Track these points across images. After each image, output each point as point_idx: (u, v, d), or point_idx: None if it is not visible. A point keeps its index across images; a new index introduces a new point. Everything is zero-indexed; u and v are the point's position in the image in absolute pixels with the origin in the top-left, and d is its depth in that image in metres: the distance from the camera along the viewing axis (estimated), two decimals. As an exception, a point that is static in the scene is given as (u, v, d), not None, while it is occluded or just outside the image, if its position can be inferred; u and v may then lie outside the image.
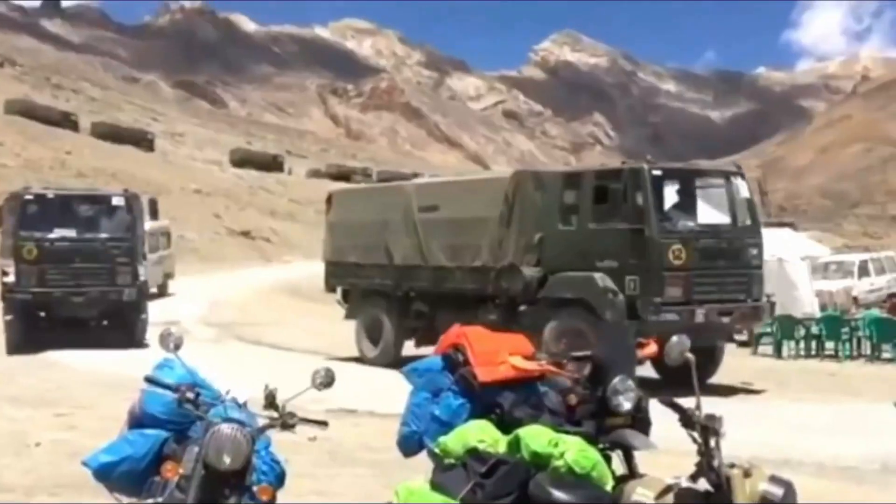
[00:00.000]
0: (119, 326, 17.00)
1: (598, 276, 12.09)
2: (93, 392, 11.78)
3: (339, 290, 17.02)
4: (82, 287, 16.20)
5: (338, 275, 16.68)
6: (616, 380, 4.65)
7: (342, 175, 78.68)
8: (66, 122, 72.70)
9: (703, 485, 3.59)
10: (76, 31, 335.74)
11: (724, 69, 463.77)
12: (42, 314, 16.60)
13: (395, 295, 15.26)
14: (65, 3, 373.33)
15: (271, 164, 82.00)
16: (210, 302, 26.13)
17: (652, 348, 5.14)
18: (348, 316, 16.47)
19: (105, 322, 17.20)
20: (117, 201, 17.04)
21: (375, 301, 15.68)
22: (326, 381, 4.12)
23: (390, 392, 6.66)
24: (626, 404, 4.64)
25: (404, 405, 5.04)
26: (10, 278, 15.71)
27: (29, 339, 15.94)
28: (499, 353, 4.95)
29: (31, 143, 55.76)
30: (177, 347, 4.22)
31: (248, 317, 23.72)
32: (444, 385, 4.95)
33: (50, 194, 17.53)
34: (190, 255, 40.14)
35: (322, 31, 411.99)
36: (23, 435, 9.01)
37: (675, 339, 3.95)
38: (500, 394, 4.79)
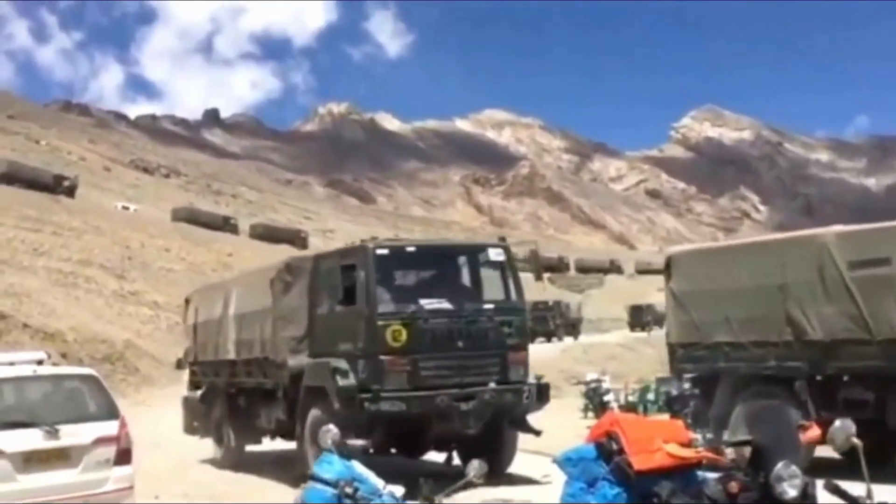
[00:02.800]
0: (483, 446, 10.74)
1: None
2: (259, 490, 12.10)
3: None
4: (468, 387, 11.12)
5: (696, 357, 12.63)
6: (779, 465, 4.46)
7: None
8: (227, 225, 76.96)
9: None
10: (234, 139, 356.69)
11: (878, 134, 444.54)
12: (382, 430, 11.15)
13: (813, 378, 11.15)
14: (224, 115, 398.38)
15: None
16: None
17: (815, 431, 4.91)
18: (715, 412, 11.80)
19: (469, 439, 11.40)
20: (496, 255, 12.11)
21: (769, 389, 11.42)
22: (481, 472, 4.16)
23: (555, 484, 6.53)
24: (792, 491, 4.44)
25: (559, 495, 4.99)
26: (347, 380, 11.04)
27: None
28: (654, 441, 4.84)
29: (195, 247, 59.15)
30: (334, 444, 4.36)
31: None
32: (599, 474, 4.87)
33: (409, 247, 12.61)
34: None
35: (463, 124, 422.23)
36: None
37: (838, 423, 3.78)
38: (658, 482, 4.67)
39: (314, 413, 11.40)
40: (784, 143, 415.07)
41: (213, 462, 14.68)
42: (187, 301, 17.05)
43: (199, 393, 15.82)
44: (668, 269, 13.45)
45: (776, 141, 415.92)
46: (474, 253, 12.51)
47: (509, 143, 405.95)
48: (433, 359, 11.06)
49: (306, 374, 11.84)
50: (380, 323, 10.92)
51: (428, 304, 11.21)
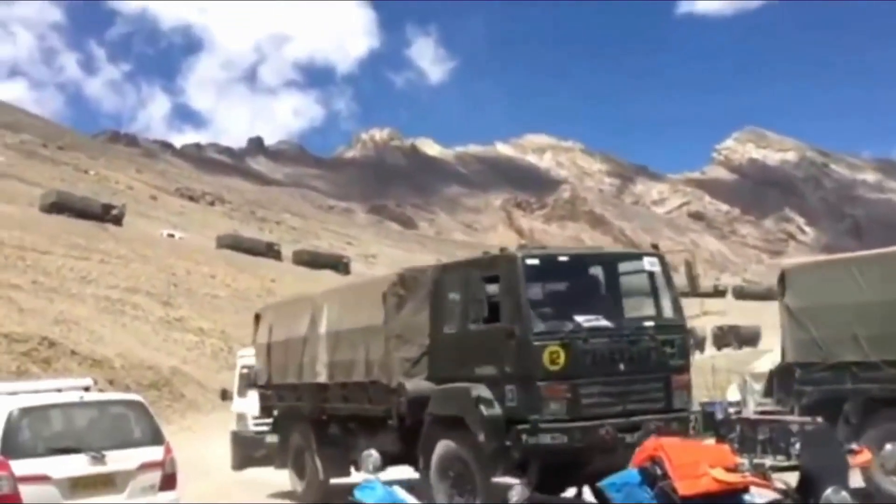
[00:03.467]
0: None
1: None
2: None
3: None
4: (632, 415, 9.74)
5: (817, 379, 11.58)
6: (829, 491, 4.38)
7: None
8: (270, 252, 77.69)
9: None
10: (278, 166, 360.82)
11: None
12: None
13: None
14: (268, 142, 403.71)
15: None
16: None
17: (865, 456, 4.82)
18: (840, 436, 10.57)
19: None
20: (650, 265, 10.72)
21: None
22: (523, 498, 4.13)
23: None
24: (842, 518, 4.35)
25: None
26: (492, 409, 9.70)
27: None
28: (699, 465, 4.78)
29: (240, 273, 59.72)
30: (376, 469, 4.36)
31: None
32: (644, 500, 4.81)
33: (562, 256, 11.14)
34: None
35: (504, 148, 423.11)
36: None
37: (889, 447, 3.70)
38: (704, 508, 4.61)
39: (445, 445, 10.15)
40: (829, 164, 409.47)
41: (292, 496, 13.68)
42: (258, 317, 15.39)
43: (264, 419, 14.82)
44: (782, 283, 12.54)
45: (821, 162, 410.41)
46: (627, 262, 11.06)
47: (550, 166, 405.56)
48: (594, 384, 9.67)
49: (434, 402, 10.36)
50: (536, 343, 9.49)
51: (586, 321, 9.86)
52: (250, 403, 16.55)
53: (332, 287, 18.73)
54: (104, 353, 28.33)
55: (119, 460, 8.11)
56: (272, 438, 14.85)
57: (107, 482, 8.03)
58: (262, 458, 15.23)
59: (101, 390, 10.87)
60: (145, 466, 8.25)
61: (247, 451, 15.89)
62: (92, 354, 27.63)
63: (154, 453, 8.40)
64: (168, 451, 8.55)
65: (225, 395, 17.87)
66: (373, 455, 4.38)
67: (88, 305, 37.03)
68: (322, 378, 12.40)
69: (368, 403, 11.38)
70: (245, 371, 17.33)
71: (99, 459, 7.98)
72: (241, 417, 16.82)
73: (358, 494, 4.40)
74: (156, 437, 8.58)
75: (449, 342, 10.48)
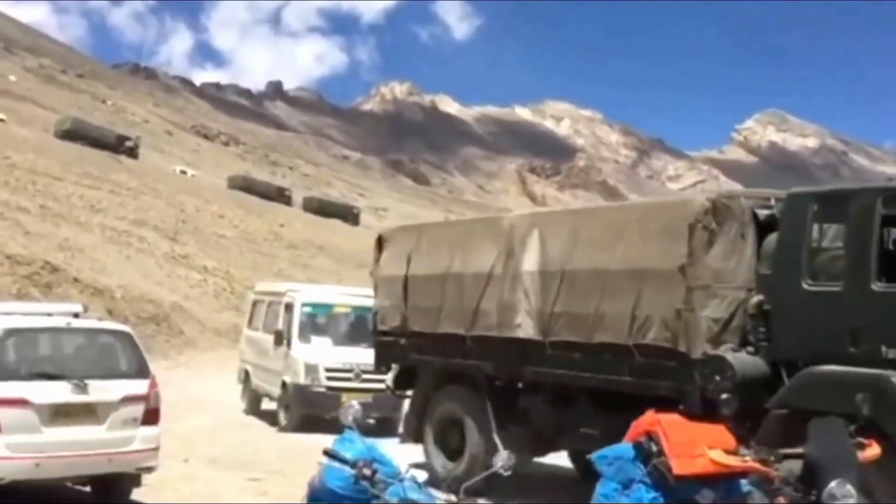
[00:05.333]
0: None
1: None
2: (286, 458, 12.02)
3: None
4: None
5: None
6: (833, 483, 4.14)
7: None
8: (281, 196, 77.53)
9: None
10: (295, 113, 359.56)
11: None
12: None
13: None
14: (287, 87, 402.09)
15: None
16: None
17: (875, 450, 4.57)
18: None
19: None
20: None
21: None
22: (509, 464, 3.93)
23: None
24: (844, 512, 4.10)
25: (593, 495, 4.72)
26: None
27: None
28: (697, 445, 4.55)
29: (248, 215, 59.63)
30: (356, 421, 4.14)
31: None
32: (636, 476, 4.59)
33: None
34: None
35: (522, 112, 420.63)
36: (218, 497, 9.27)
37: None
38: (698, 490, 4.38)
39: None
40: (849, 153, 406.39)
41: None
42: (381, 241, 11.75)
43: (390, 376, 11.82)
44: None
45: (840, 150, 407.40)
46: None
47: (568, 134, 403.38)
48: None
49: (803, 390, 7.07)
50: None
51: None
52: (319, 351, 14.59)
53: (550, 208, 13.64)
54: (106, 283, 28.28)
55: (102, 390, 7.93)
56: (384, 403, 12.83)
57: (87, 412, 7.86)
58: (333, 420, 13.71)
59: (100, 318, 10.62)
60: (128, 399, 8.07)
61: (313, 410, 13.92)
62: (94, 283, 27.57)
63: (139, 386, 8.22)
64: (153, 385, 8.36)
65: (280, 339, 14.91)
66: (354, 406, 4.14)
67: (95, 234, 36.97)
68: (528, 332, 9.14)
69: (631, 375, 8.14)
70: (307, 311, 15.06)
71: (81, 388, 7.80)
72: (309, 369, 14.30)
73: (337, 446, 4.16)
74: (142, 370, 8.39)
75: (809, 304, 7.38)
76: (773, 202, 8.01)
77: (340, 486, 4.22)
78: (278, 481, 10.19)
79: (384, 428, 13.09)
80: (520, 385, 9.65)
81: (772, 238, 7.79)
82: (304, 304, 15.18)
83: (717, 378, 7.37)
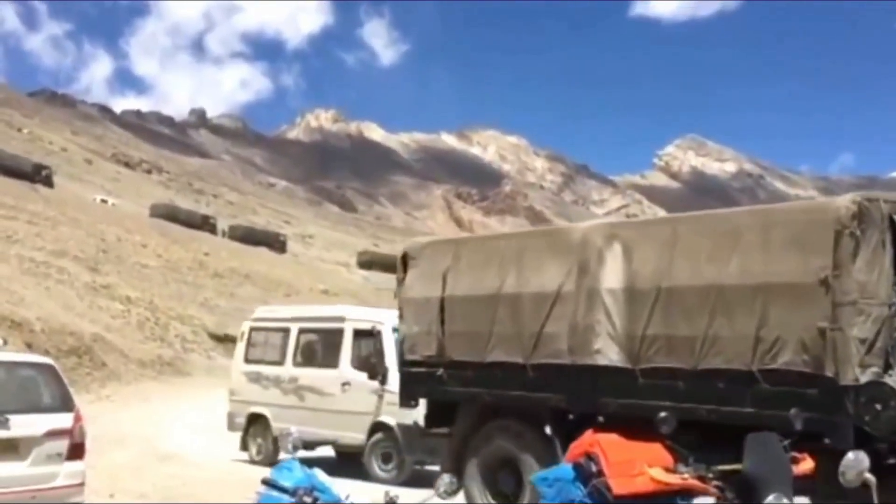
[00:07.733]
0: None
1: None
2: (217, 491, 11.75)
3: None
4: None
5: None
6: (770, 497, 4.20)
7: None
8: (206, 224, 76.31)
9: None
10: (219, 140, 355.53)
11: (860, 173, 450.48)
12: None
13: None
14: (211, 114, 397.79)
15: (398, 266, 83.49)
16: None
17: (808, 464, 4.65)
18: None
19: None
20: None
21: None
22: (450, 489, 3.90)
23: None
24: (780, 525, 4.15)
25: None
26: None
27: None
28: (635, 464, 4.58)
29: (172, 244, 58.46)
30: (296, 449, 4.07)
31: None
32: (576, 497, 4.61)
33: None
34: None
35: (448, 138, 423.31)
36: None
37: (851, 455, 3.47)
38: (638, 509, 4.40)
39: None
40: (765, 177, 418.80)
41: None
42: (407, 258, 10.27)
43: (418, 411, 10.45)
44: None
45: (758, 174, 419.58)
46: None
47: (494, 160, 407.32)
48: None
49: None
50: None
51: None
52: None
53: (639, 219, 11.86)
54: (24, 316, 27.34)
55: (24, 425, 7.64)
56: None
57: (9, 447, 7.56)
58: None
59: (17, 351, 10.26)
60: (52, 434, 7.78)
61: (425, 455, 12.46)
62: (11, 316, 26.62)
63: (62, 420, 7.94)
64: (78, 418, 8.09)
65: (374, 373, 12.90)
66: (292, 434, 4.07)
67: (11, 266, 35.78)
68: (610, 358, 7.92)
69: (753, 405, 6.94)
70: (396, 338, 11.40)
71: (2, 423, 7.50)
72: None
73: (274, 474, 4.08)
74: (65, 404, 8.11)
75: None
76: None
77: (279, 515, 4.13)
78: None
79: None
80: (600, 419, 7.80)
81: None
82: (394, 330, 11.86)
83: (878, 407, 6.34)
